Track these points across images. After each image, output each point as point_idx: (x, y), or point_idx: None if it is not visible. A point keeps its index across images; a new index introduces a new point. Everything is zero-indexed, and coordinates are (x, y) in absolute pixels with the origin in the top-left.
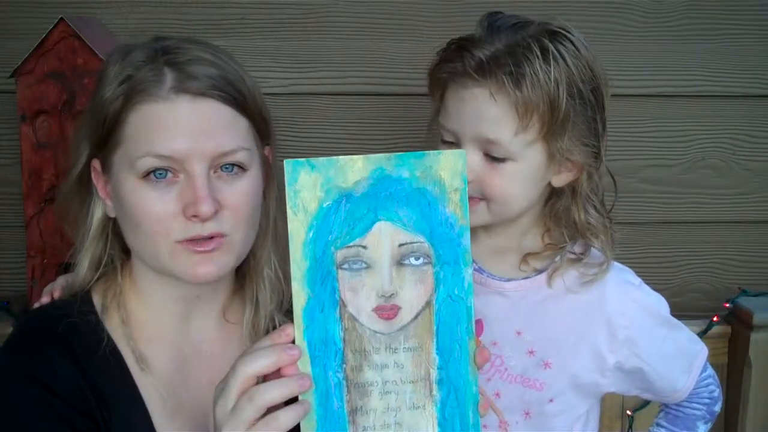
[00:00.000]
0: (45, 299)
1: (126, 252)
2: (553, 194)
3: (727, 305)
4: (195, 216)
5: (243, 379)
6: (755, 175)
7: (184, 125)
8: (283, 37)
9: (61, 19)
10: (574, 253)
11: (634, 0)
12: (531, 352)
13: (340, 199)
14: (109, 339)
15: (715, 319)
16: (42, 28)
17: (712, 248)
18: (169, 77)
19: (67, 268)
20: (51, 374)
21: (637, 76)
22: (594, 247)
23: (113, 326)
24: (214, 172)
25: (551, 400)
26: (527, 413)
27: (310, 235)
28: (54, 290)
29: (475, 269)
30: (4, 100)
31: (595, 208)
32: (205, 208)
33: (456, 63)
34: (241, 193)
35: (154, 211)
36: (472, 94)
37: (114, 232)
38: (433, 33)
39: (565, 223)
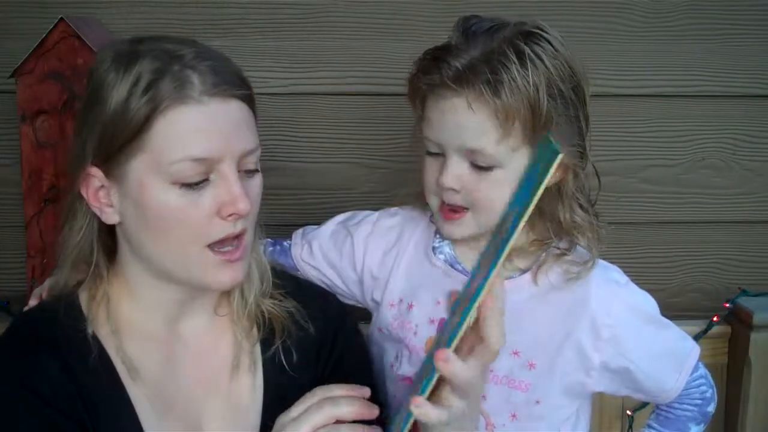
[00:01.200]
0: (33, 302)
1: (109, 257)
2: None
3: (727, 305)
4: (232, 215)
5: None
6: (756, 175)
7: (216, 126)
8: (283, 37)
9: (61, 19)
10: (559, 248)
11: (634, 0)
12: (516, 353)
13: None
14: (97, 342)
15: (715, 319)
16: (42, 28)
17: (712, 248)
18: (195, 80)
19: None
20: (41, 378)
21: (637, 76)
22: (580, 245)
23: (101, 329)
24: (239, 171)
25: (537, 401)
26: (514, 415)
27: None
28: (42, 293)
29: (461, 272)
30: (4, 100)
31: (581, 206)
32: (244, 206)
33: (434, 74)
34: (256, 191)
35: (191, 216)
36: (452, 105)
37: (99, 238)
38: (433, 33)
39: (550, 219)
